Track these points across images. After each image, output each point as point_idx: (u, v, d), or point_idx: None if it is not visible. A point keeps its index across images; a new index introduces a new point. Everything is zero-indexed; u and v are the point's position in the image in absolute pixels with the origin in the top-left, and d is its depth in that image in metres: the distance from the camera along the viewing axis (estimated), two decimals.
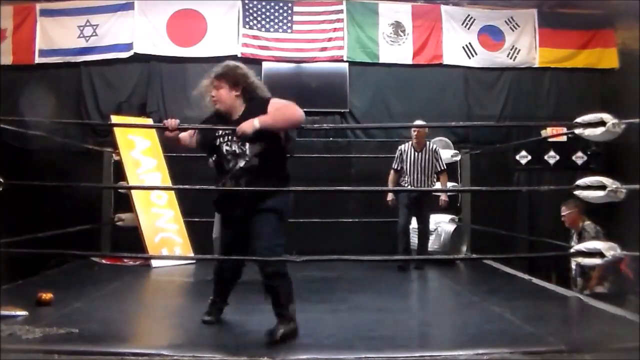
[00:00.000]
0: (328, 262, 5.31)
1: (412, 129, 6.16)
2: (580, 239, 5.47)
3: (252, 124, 3.20)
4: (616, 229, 5.40)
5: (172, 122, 3.49)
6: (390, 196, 6.16)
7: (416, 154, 6.09)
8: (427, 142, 6.19)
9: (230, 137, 3.33)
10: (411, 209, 6.04)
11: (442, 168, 6.18)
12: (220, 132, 3.38)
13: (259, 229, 3.23)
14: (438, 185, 6.24)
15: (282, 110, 3.29)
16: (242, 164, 3.29)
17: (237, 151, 3.30)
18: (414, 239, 6.26)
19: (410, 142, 6.17)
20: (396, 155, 6.19)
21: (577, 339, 3.19)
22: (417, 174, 6.05)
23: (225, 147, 3.33)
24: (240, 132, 3.21)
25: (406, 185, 6.12)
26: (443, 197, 6.27)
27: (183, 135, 3.59)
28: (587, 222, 5.77)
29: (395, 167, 6.17)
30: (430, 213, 6.26)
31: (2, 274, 4.05)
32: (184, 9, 7.70)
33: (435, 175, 6.16)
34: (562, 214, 5.85)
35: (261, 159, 3.28)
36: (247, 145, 3.27)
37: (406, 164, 6.09)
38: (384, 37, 7.93)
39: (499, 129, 8.01)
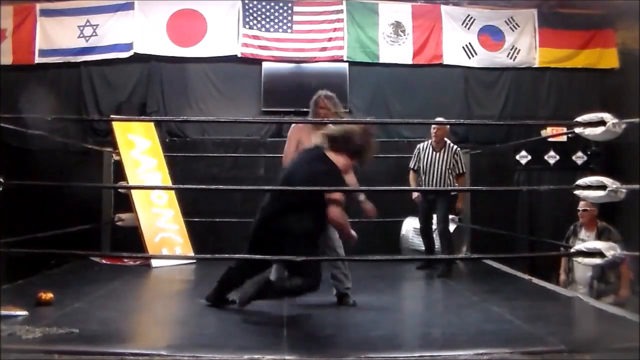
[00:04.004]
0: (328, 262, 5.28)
1: (432, 127, 5.86)
2: (602, 239, 5.11)
3: None
4: (616, 229, 5.42)
5: None
6: (415, 194, 5.95)
7: (434, 153, 5.80)
8: (447, 142, 5.86)
9: None
10: (428, 210, 5.86)
11: (462, 171, 5.87)
12: None
13: None
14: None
15: None
16: None
17: None
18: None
19: (429, 141, 5.88)
20: (414, 154, 5.98)
21: (577, 339, 3.19)
22: (434, 174, 5.77)
23: None
24: None
25: (422, 185, 5.89)
26: (460, 204, 6.06)
27: None
28: (605, 224, 5.51)
29: (412, 167, 5.98)
30: (449, 213, 5.94)
31: (2, 274, 4.05)
32: (184, 9, 7.70)
33: (453, 177, 5.81)
34: (585, 208, 5.49)
35: None
36: None
37: (423, 163, 5.84)
38: (384, 37, 7.93)
39: (499, 129, 8.01)
